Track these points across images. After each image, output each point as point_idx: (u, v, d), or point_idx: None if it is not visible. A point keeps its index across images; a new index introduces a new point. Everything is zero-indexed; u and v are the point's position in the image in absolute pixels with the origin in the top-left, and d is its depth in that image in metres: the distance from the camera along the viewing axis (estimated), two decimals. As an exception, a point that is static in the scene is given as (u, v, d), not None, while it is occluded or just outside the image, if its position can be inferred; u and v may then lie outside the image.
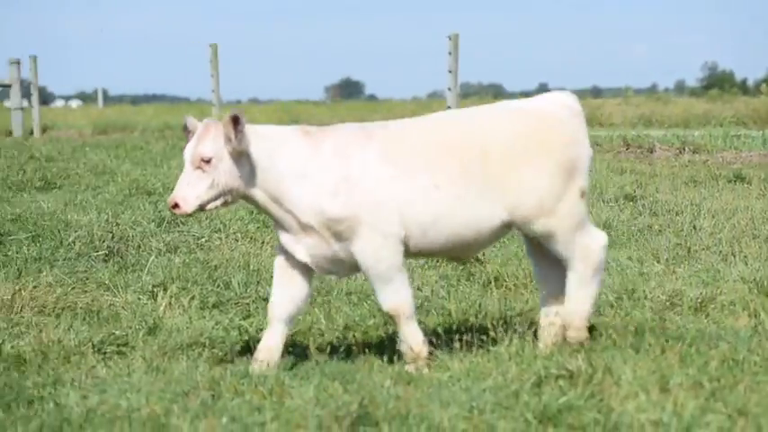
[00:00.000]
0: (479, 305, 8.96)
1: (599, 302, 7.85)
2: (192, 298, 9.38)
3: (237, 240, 12.48)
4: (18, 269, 10.51)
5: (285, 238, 7.44)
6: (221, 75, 27.58)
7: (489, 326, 7.83)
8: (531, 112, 7.58)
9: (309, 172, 7.32)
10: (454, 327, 8.28)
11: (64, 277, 10.11)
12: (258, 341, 7.59)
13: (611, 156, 21.12)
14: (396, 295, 7.38)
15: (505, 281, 9.97)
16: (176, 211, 7.25)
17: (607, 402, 6.24)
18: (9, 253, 11.36)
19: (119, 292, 9.70)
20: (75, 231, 12.31)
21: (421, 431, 5.98)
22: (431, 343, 7.53)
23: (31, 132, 29.92)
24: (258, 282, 10.04)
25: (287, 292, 7.52)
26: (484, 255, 10.93)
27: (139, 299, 9.53)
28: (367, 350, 7.58)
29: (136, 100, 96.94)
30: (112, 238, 12.06)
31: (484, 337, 7.62)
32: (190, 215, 7.34)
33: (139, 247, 11.93)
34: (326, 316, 8.65)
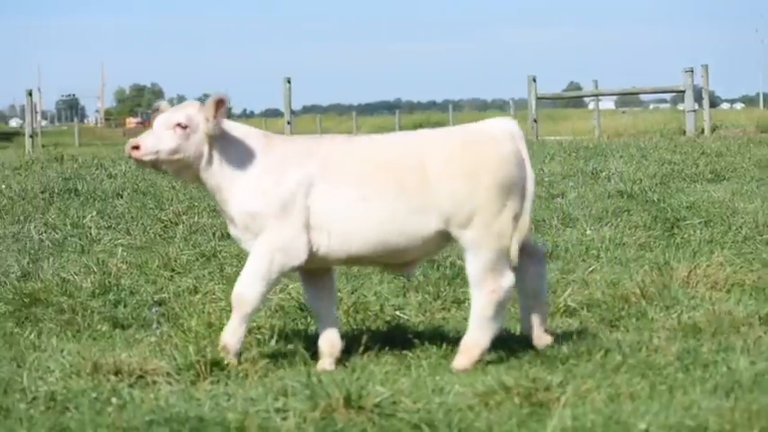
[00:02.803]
0: None
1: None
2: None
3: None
4: (693, 250, 10.43)
5: (230, 227, 7.02)
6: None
7: None
8: (470, 133, 6.94)
9: (255, 171, 6.83)
10: None
11: (733, 257, 9.87)
12: None
13: None
14: (250, 288, 6.77)
15: None
16: (134, 152, 6.79)
17: None
18: (685, 236, 11.33)
19: None
20: (742, 218, 12.16)
21: None
22: None
23: (702, 131, 29.78)
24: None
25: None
26: None
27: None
28: None
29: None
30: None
31: None
32: (140, 163, 6.84)
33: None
34: None
